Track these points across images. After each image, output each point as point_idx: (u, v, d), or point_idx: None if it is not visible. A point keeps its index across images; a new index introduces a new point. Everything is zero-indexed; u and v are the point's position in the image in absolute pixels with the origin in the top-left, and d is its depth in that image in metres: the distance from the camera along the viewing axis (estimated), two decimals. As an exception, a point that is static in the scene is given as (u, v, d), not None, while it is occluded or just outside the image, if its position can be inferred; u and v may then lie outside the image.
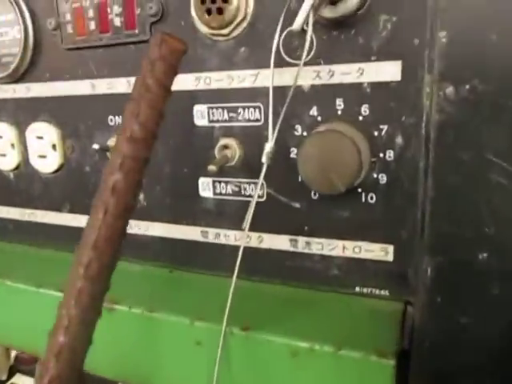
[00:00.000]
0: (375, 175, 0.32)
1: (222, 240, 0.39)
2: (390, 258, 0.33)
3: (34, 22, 0.43)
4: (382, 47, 0.30)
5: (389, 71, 0.30)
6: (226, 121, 0.36)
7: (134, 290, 0.39)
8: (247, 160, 0.36)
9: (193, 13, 0.34)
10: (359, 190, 0.33)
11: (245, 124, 0.36)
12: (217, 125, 0.37)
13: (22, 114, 0.46)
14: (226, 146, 0.36)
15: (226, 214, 0.38)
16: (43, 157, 0.46)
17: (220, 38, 0.35)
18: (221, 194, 0.38)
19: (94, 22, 0.39)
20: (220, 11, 0.33)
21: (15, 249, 0.51)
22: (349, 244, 0.34)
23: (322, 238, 0.35)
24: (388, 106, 0.31)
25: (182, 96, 0.37)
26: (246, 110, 0.35)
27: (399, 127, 0.31)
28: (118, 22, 0.38)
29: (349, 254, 0.34)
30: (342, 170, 0.29)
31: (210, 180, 0.38)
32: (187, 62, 0.35)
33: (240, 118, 0.36)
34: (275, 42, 0.30)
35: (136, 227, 0.42)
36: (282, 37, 0.30)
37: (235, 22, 0.33)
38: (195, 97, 0.37)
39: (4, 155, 0.48)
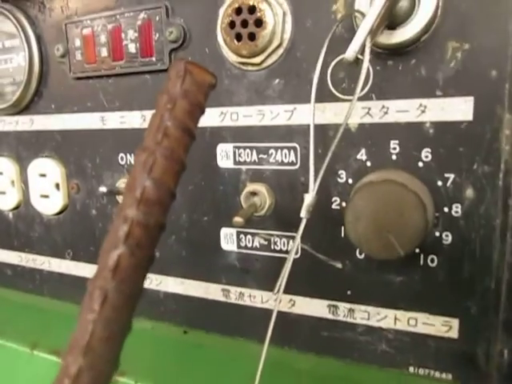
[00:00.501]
0: (438, 233, 0.27)
1: (246, 301, 0.34)
2: (455, 334, 0.28)
3: (40, 48, 0.39)
4: (449, 80, 0.26)
5: (458, 109, 0.26)
6: (254, 163, 0.32)
7: (142, 356, 0.34)
8: (279, 209, 0.31)
9: (219, 39, 0.30)
10: (417, 250, 0.27)
11: (277, 167, 0.31)
12: (244, 167, 0.32)
13: (24, 148, 0.42)
14: (254, 193, 0.31)
15: (252, 271, 0.33)
16: (45, 196, 0.41)
17: (250, 68, 0.30)
18: (246, 247, 0.33)
19: (105, 49, 0.35)
20: (252, 37, 0.28)
21: (12, 296, 0.46)
22: (402, 315, 0.29)
23: (369, 306, 0.30)
24: (456, 151, 0.26)
25: (204, 133, 0.33)
26: (279, 151, 0.30)
27: (469, 177, 0.26)
28: (132, 48, 0.34)
29: (402, 326, 0.29)
30: (404, 231, 0.23)
31: (233, 231, 0.33)
32: (211, 94, 0.31)
33: (271, 160, 0.31)
34: (317, 72, 0.26)
35: (147, 281, 0.37)
36: (331, 67, 0.25)
37: (269, 49, 0.29)
38: (219, 134, 0.33)
39: (3, 193, 0.44)
